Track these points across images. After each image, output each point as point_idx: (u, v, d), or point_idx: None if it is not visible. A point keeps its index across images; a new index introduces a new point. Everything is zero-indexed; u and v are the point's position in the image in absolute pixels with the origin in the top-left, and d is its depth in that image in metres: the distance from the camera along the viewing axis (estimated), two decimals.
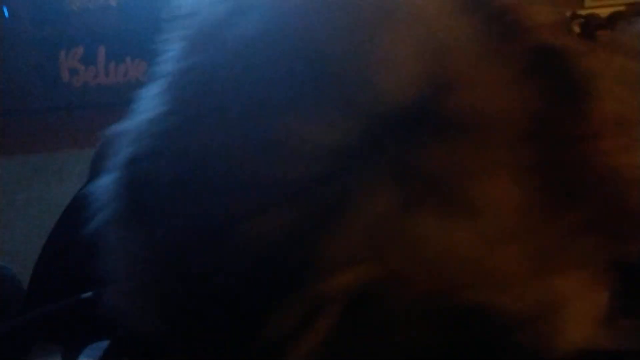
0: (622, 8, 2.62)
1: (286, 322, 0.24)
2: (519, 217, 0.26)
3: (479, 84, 0.26)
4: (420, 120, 0.25)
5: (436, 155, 0.25)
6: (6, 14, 2.45)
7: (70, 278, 0.47)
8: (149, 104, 0.30)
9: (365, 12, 0.27)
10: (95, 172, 0.46)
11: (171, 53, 0.31)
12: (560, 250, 0.27)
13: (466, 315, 0.24)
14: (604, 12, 2.62)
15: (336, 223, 0.24)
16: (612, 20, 2.53)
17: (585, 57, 0.30)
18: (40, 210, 1.96)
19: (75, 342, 0.41)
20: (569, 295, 0.27)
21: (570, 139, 0.27)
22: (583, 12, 2.44)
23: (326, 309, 0.24)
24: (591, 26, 2.42)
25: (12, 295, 0.72)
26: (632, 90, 0.32)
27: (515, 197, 0.26)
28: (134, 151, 0.30)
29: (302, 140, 0.25)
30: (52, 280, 0.57)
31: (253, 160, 0.26)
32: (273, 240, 0.25)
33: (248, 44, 0.28)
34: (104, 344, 0.39)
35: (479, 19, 0.28)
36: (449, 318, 0.24)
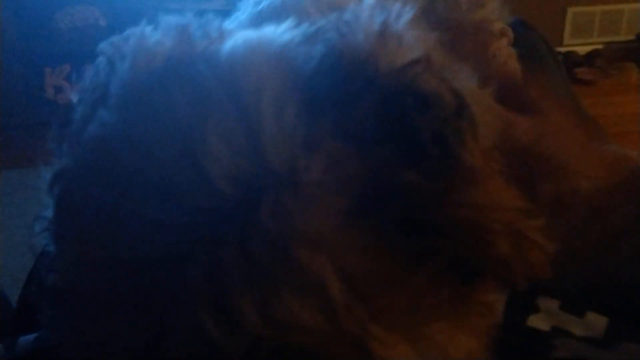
0: (600, 46, 2.70)
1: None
2: (370, 280, 0.26)
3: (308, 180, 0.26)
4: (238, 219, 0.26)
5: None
6: None
7: None
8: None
9: (185, 114, 0.28)
10: None
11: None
12: (420, 305, 0.27)
13: None
14: (582, 49, 2.71)
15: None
16: (591, 57, 2.61)
17: (451, 90, 0.29)
18: (21, 225, 1.94)
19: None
20: (442, 344, 0.28)
21: (427, 196, 0.27)
22: (562, 50, 2.51)
23: None
24: (569, 63, 2.50)
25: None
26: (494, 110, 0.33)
27: (362, 262, 0.26)
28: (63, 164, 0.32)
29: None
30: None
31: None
32: None
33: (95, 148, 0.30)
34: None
35: (325, 83, 0.28)
36: None
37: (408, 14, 0.32)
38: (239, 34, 0.31)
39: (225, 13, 0.53)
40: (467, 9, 0.47)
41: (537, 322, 0.39)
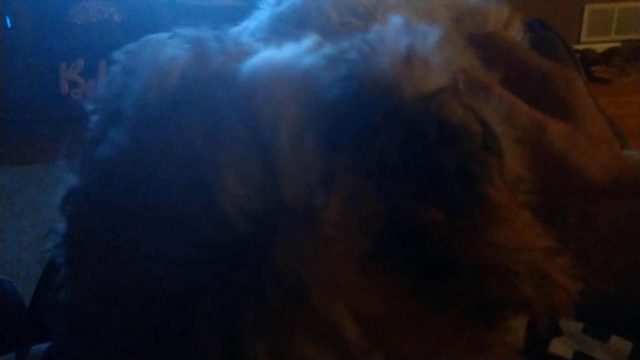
0: (617, 44, 2.67)
1: None
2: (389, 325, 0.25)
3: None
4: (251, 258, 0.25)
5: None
6: (9, 24, 2.46)
7: None
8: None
9: (199, 144, 0.26)
10: None
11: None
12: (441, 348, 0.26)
13: None
14: (599, 47, 2.68)
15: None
16: (608, 55, 2.58)
17: (478, 120, 0.28)
18: (37, 221, 1.95)
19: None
20: None
21: (450, 235, 0.26)
22: (579, 47, 2.49)
23: None
24: (586, 61, 2.47)
25: (13, 311, 0.72)
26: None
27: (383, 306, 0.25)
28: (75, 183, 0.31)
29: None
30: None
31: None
32: None
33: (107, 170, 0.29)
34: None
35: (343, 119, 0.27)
36: None
37: (435, 34, 0.30)
38: (260, 55, 0.29)
39: (242, 10, 0.52)
40: (493, 29, 0.46)
41: (560, 347, 0.38)
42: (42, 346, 0.44)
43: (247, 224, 0.25)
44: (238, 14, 0.53)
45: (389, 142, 0.27)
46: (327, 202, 0.25)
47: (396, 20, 0.31)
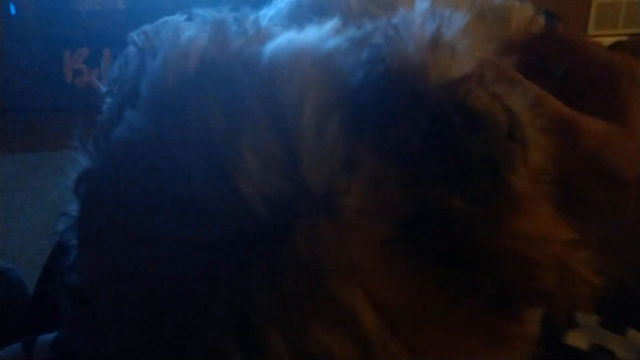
0: (624, 38, 2.65)
1: None
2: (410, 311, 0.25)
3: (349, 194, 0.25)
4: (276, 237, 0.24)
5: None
6: (13, 11, 2.45)
7: None
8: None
9: (219, 126, 0.26)
10: None
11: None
12: (462, 336, 0.26)
13: None
14: (606, 41, 2.64)
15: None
16: (615, 49, 2.56)
17: (504, 109, 0.27)
18: (40, 209, 1.95)
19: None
20: None
21: (473, 224, 0.25)
22: None
23: None
24: None
25: (17, 299, 0.72)
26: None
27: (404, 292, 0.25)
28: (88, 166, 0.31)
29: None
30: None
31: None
32: None
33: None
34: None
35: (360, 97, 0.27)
36: None
37: (462, 20, 0.30)
38: (281, 37, 0.29)
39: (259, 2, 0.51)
40: (514, 30, 0.45)
41: (576, 339, 0.38)
42: (49, 336, 0.44)
43: (267, 208, 0.24)
44: (248, 3, 0.52)
45: (413, 128, 0.26)
46: (349, 187, 0.25)
47: (422, 5, 0.30)
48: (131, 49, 0.32)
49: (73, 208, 0.31)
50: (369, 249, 0.24)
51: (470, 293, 0.26)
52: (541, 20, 0.48)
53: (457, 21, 0.30)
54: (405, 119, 0.26)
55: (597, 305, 0.28)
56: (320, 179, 0.25)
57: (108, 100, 0.32)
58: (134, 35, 0.33)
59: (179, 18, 0.32)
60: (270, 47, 0.28)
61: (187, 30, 0.30)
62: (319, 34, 0.29)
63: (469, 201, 0.25)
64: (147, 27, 0.33)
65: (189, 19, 0.31)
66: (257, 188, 0.24)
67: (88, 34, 2.45)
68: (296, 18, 0.31)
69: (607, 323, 0.38)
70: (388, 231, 0.25)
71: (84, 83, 2.44)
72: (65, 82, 2.47)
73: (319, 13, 0.30)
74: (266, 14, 0.44)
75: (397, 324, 0.24)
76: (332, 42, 0.28)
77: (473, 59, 0.29)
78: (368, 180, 0.25)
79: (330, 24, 0.29)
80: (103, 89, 0.33)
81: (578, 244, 0.27)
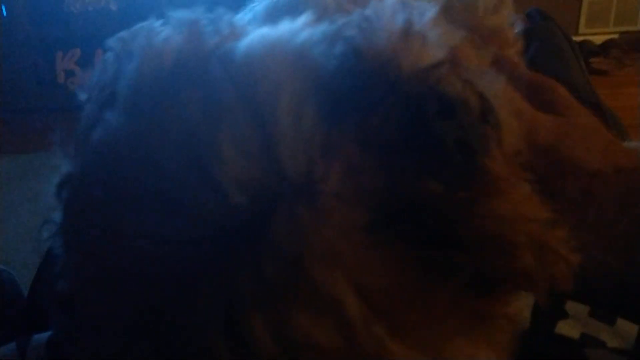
0: (615, 36, 2.67)
1: None
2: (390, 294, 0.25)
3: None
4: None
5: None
6: (4, 12, 2.44)
7: None
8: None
9: (196, 121, 0.26)
10: None
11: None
12: (443, 319, 0.26)
13: None
14: (597, 39, 2.67)
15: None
16: (606, 47, 2.57)
17: (477, 94, 0.28)
18: (34, 210, 1.95)
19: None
20: None
21: (450, 207, 0.26)
22: (577, 38, 2.47)
23: None
24: (584, 53, 2.45)
25: (11, 300, 0.72)
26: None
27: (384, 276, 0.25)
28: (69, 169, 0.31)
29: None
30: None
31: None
32: None
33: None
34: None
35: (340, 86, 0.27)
36: None
37: (432, 11, 0.31)
38: (255, 32, 0.29)
39: (238, 3, 0.51)
40: (482, 15, 0.47)
41: (567, 329, 0.38)
42: (43, 335, 0.44)
43: (247, 197, 0.25)
44: (234, 5, 0.52)
45: (388, 115, 0.27)
46: (327, 173, 0.25)
47: None
48: (109, 55, 0.33)
49: (58, 215, 0.31)
50: (349, 234, 0.24)
51: (451, 275, 0.26)
52: (506, 6, 0.49)
53: (427, 11, 0.31)
54: (380, 106, 0.27)
55: (586, 295, 0.29)
56: (298, 166, 0.25)
57: (87, 108, 0.32)
58: (111, 41, 0.33)
59: (154, 22, 0.32)
60: (245, 42, 0.28)
61: (162, 32, 0.31)
62: (291, 27, 0.29)
63: (445, 185, 0.26)
64: (124, 33, 0.33)
65: (165, 23, 0.31)
66: (236, 178, 0.25)
67: (80, 35, 2.44)
68: (272, 17, 0.32)
69: (596, 313, 0.39)
70: (367, 216, 0.25)
71: (77, 84, 2.43)
72: (57, 83, 2.46)
73: (296, 12, 0.30)
74: (243, 18, 0.44)
75: (379, 308, 0.24)
76: (304, 34, 0.29)
77: (444, 47, 0.29)
78: (346, 166, 0.25)
79: (303, 18, 0.30)
80: (82, 96, 0.33)
81: (555, 223, 0.28)
